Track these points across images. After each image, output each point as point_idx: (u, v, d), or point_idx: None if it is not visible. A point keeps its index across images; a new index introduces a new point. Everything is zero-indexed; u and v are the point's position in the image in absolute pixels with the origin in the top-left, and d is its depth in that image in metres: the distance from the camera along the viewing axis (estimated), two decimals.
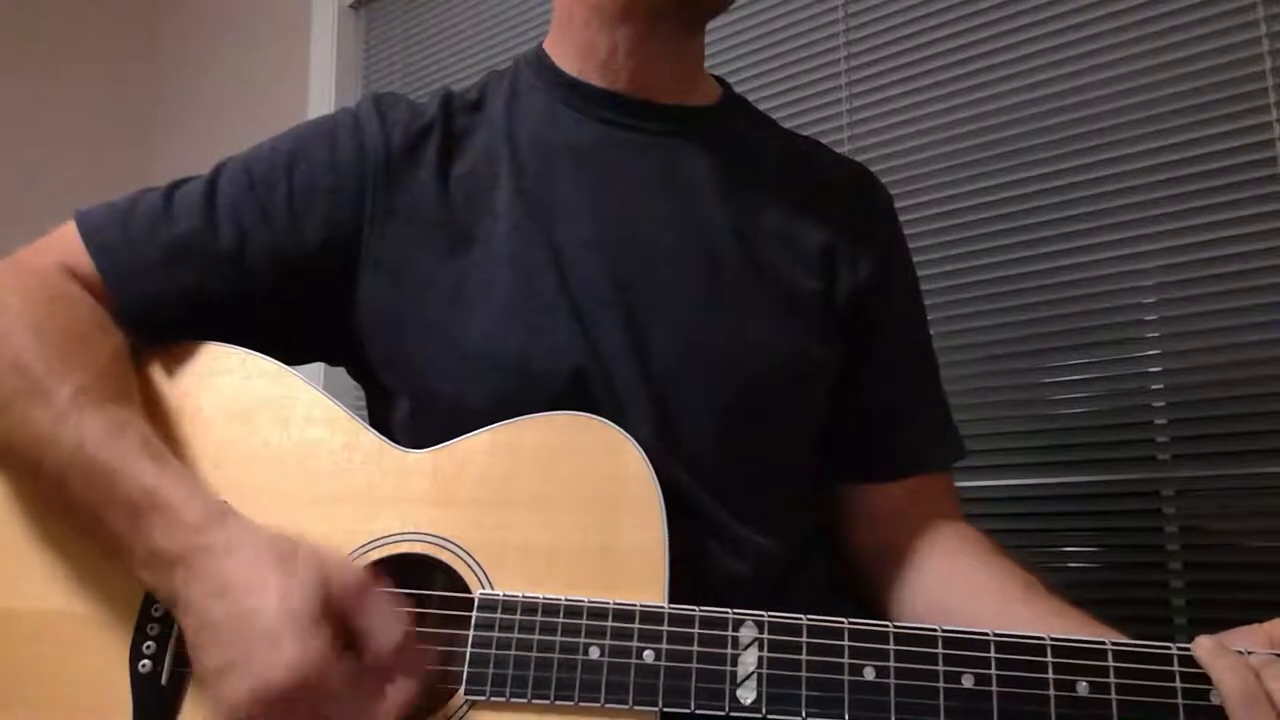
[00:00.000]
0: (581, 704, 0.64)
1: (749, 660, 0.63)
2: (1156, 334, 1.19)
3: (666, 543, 0.67)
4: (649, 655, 0.64)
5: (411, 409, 0.80)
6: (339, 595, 0.62)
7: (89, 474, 0.66)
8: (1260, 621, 0.63)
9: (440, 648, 0.69)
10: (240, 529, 0.65)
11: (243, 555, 0.63)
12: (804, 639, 0.63)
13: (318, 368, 1.03)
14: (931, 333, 0.94)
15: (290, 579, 0.61)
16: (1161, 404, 1.19)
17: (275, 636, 0.59)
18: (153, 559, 0.65)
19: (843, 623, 0.63)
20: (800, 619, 0.64)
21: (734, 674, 0.63)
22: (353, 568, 0.65)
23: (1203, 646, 0.60)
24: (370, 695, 0.62)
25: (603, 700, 0.64)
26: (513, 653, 0.65)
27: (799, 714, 0.62)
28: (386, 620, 0.63)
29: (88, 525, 0.68)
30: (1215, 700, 0.59)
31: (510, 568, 0.68)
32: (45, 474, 0.69)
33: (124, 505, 0.66)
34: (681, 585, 0.66)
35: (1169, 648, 0.60)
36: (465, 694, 0.65)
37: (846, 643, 0.63)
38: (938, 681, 0.61)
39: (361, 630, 0.63)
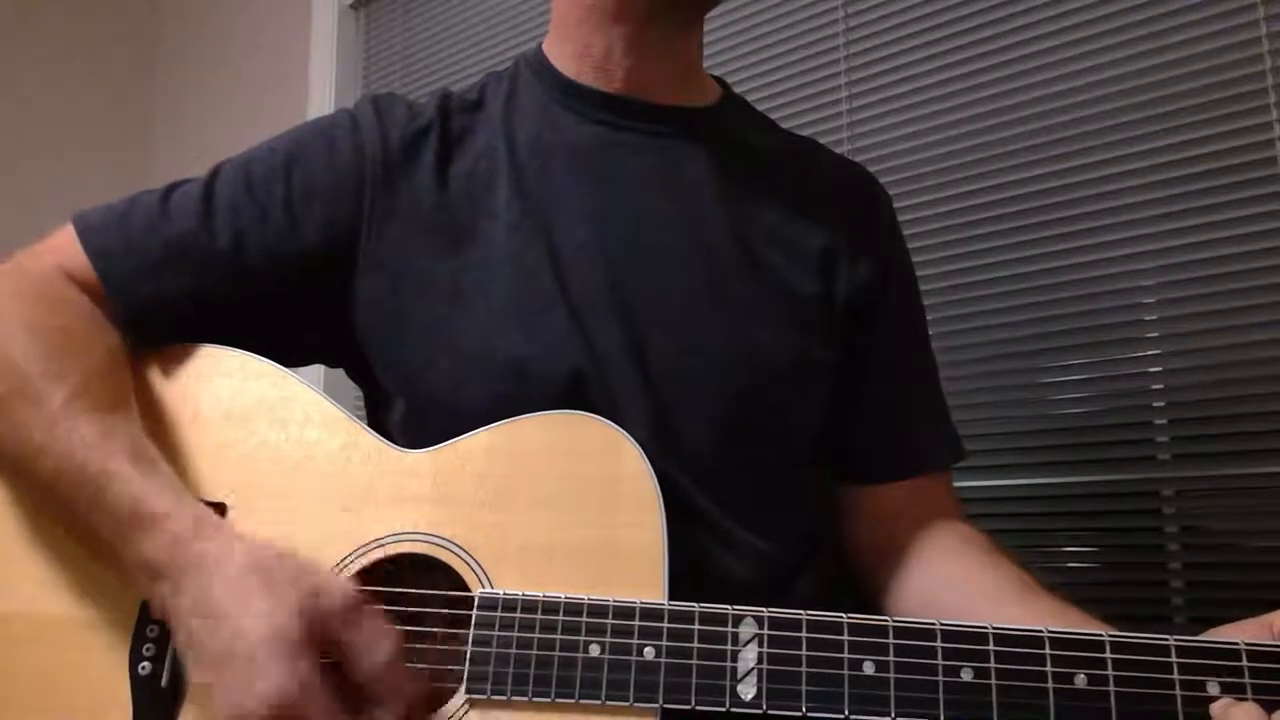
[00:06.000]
0: (582, 702, 0.64)
1: (749, 656, 0.63)
2: (1156, 334, 1.19)
3: (665, 540, 0.67)
4: (649, 652, 0.64)
5: (409, 409, 0.80)
6: (325, 615, 0.61)
7: (78, 482, 0.66)
8: None
9: (440, 647, 0.69)
10: (226, 543, 0.64)
11: (227, 574, 0.62)
12: (803, 634, 0.63)
13: (317, 369, 1.03)
14: (931, 333, 0.94)
15: (273, 600, 0.60)
16: (1161, 404, 1.19)
17: (256, 662, 0.58)
18: (142, 568, 0.65)
19: (842, 618, 0.63)
20: (800, 614, 0.64)
21: (734, 670, 0.63)
22: (339, 584, 0.63)
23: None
24: (359, 715, 0.61)
25: (603, 698, 0.64)
26: (513, 651, 0.65)
27: (799, 709, 0.62)
28: (375, 636, 0.62)
29: (79, 531, 0.69)
30: (1213, 691, 0.59)
31: (509, 567, 0.68)
32: (36, 479, 0.69)
33: (111, 514, 0.65)
34: (681, 587, 0.66)
35: (1166, 639, 0.60)
36: (465, 693, 0.65)
37: (846, 637, 0.63)
38: (937, 675, 0.61)
39: (349, 648, 0.62)
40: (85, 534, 0.68)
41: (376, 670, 0.62)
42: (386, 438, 0.74)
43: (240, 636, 0.59)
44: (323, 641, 0.61)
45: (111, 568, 0.68)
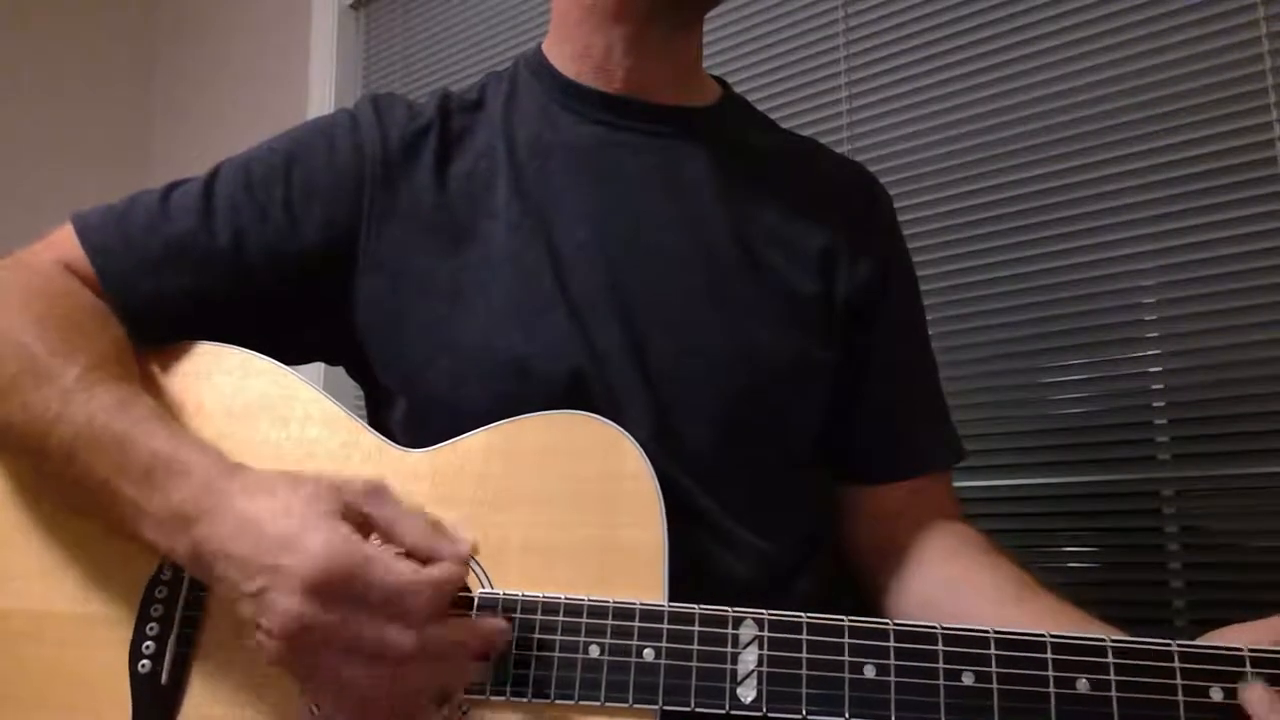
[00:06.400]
0: (581, 703, 0.64)
1: (749, 658, 0.63)
2: (1156, 334, 1.19)
3: (666, 540, 0.67)
4: (649, 654, 0.64)
5: (410, 409, 0.80)
6: (353, 498, 0.62)
7: (100, 446, 0.66)
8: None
9: None
10: (255, 473, 0.65)
11: (260, 492, 0.63)
12: (804, 637, 0.63)
13: (317, 368, 1.03)
14: (931, 333, 0.94)
15: (300, 490, 0.62)
16: (1161, 404, 1.19)
17: (297, 536, 0.59)
18: (172, 518, 0.64)
19: (843, 621, 0.63)
20: (800, 617, 0.63)
21: (734, 672, 0.63)
22: (361, 475, 0.65)
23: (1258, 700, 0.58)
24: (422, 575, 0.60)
25: (603, 699, 0.63)
26: (513, 652, 0.65)
27: (799, 712, 0.62)
28: (405, 512, 0.63)
29: (93, 502, 0.68)
30: (1215, 697, 0.59)
31: (510, 567, 0.68)
32: (50, 454, 0.68)
33: (139, 470, 0.65)
34: (681, 587, 0.66)
35: (1169, 644, 0.60)
36: (465, 693, 0.65)
37: (847, 640, 0.63)
38: (938, 679, 0.61)
39: (386, 527, 0.63)
40: (98, 504, 0.67)
41: (420, 535, 0.62)
42: (388, 436, 0.74)
43: (278, 528, 0.60)
44: (356, 515, 0.62)
45: (124, 540, 0.67)
